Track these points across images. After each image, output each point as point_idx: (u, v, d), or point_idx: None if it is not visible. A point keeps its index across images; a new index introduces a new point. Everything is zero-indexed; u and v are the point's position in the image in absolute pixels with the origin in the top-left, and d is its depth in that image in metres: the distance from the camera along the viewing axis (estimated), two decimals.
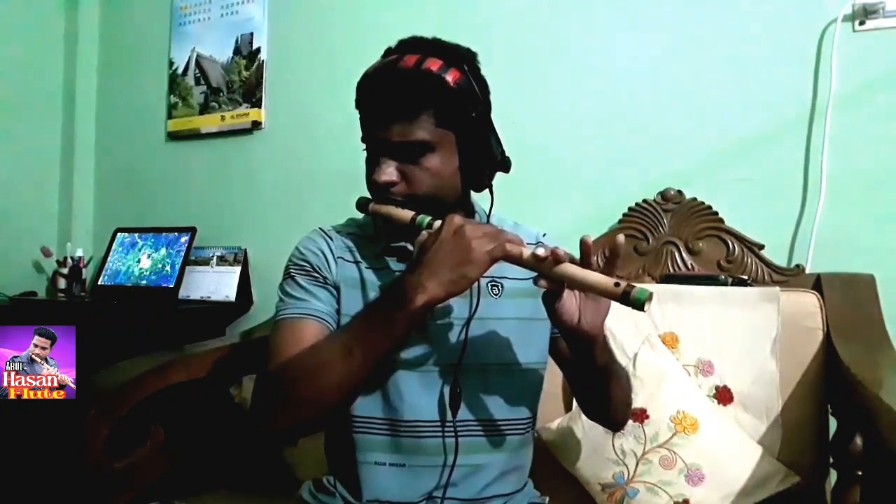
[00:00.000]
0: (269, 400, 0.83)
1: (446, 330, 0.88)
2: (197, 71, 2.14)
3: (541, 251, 0.74)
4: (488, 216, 0.94)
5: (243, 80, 2.06)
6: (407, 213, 0.82)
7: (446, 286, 0.74)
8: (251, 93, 2.04)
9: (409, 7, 1.82)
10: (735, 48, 1.48)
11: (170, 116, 2.18)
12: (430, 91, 0.81)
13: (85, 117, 2.30)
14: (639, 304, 0.69)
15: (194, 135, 2.13)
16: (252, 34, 2.05)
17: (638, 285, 0.70)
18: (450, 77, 0.81)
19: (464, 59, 0.85)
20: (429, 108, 0.82)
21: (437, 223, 0.78)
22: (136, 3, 2.30)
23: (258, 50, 2.04)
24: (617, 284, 0.70)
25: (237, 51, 2.08)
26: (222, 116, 2.08)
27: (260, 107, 2.02)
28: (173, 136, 2.17)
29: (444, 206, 0.85)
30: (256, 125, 2.02)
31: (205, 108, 2.12)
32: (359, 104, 0.87)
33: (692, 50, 1.52)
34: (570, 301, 0.77)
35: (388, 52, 0.87)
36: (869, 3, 1.36)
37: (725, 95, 1.49)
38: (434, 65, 0.81)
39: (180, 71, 2.17)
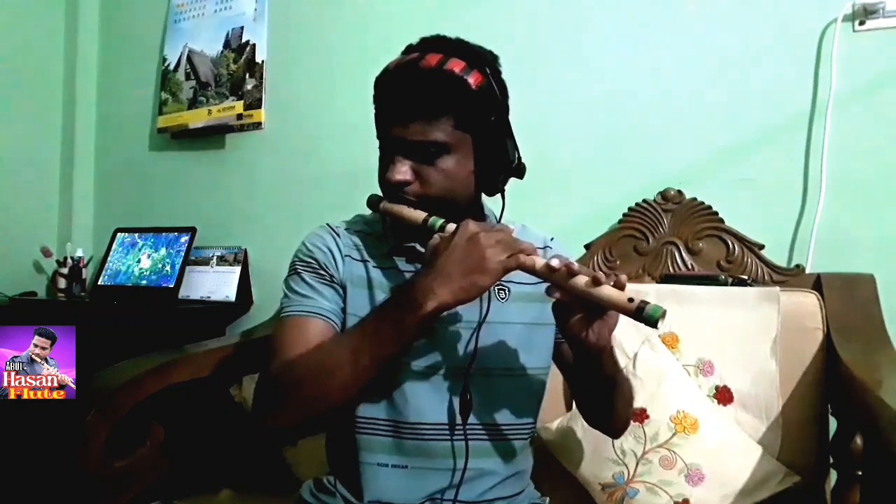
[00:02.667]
0: (272, 398, 0.83)
1: (454, 334, 0.87)
2: (188, 66, 2.13)
3: (555, 262, 0.73)
4: (499, 221, 0.93)
5: (231, 74, 2.04)
6: (419, 214, 0.82)
7: (457, 293, 0.73)
8: (238, 86, 2.03)
9: (409, 7, 1.82)
10: (735, 48, 1.48)
11: (160, 112, 2.16)
12: (452, 92, 0.80)
13: (85, 117, 2.30)
14: (652, 321, 0.68)
15: (184, 131, 2.11)
16: (242, 28, 2.04)
17: (652, 302, 0.69)
18: (472, 79, 0.80)
19: (486, 61, 0.84)
20: (449, 109, 0.81)
21: (450, 226, 0.78)
22: (136, 3, 2.30)
23: (247, 43, 2.03)
24: (631, 300, 0.70)
25: (227, 44, 2.07)
26: (209, 111, 2.06)
27: (260, 106, 2.01)
28: (164, 133, 2.15)
29: (456, 208, 0.84)
30: (256, 125, 2.02)
31: (193, 103, 2.10)
32: (377, 100, 0.86)
33: (692, 50, 1.52)
34: (580, 313, 0.77)
35: (410, 49, 0.86)
36: (869, 3, 1.36)
37: (725, 95, 1.49)
38: (457, 66, 0.80)
39: (172, 67, 2.16)
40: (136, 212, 2.21)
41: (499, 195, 0.90)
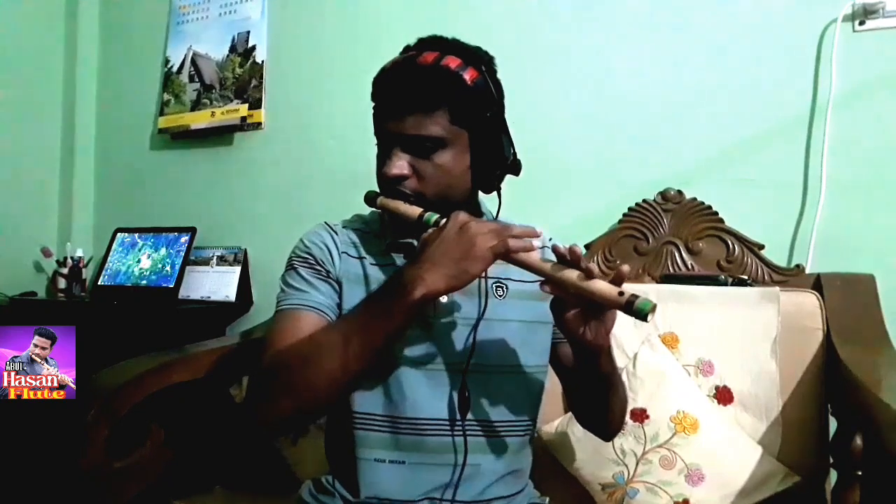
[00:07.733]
0: (263, 388, 0.83)
1: (452, 329, 0.87)
2: (192, 69, 2.14)
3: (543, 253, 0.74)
4: (496, 218, 0.93)
5: (236, 77, 2.05)
6: (415, 210, 0.82)
7: (447, 280, 0.74)
8: (243, 89, 2.03)
9: (409, 8, 1.82)
10: (735, 48, 1.48)
11: (161, 114, 2.17)
12: (447, 87, 0.82)
13: (85, 117, 2.30)
14: (642, 315, 0.68)
15: (185, 132, 2.11)
16: (249, 32, 2.05)
17: (642, 295, 0.69)
18: (467, 75, 0.82)
19: (482, 60, 0.86)
20: (445, 104, 0.82)
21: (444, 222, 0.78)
22: (136, 3, 2.30)
23: (253, 48, 2.04)
24: (621, 294, 0.70)
25: (233, 48, 2.07)
26: (213, 112, 2.07)
27: (260, 107, 2.01)
28: (164, 133, 2.16)
29: (452, 204, 0.84)
30: (256, 125, 2.02)
31: (196, 105, 2.11)
32: (375, 96, 0.88)
33: (692, 50, 1.52)
34: (577, 309, 0.77)
35: (407, 49, 0.88)
36: (869, 3, 1.36)
37: (726, 95, 1.49)
38: (453, 62, 0.82)
39: (175, 69, 2.16)
40: (136, 212, 2.21)
41: (495, 194, 0.90)
